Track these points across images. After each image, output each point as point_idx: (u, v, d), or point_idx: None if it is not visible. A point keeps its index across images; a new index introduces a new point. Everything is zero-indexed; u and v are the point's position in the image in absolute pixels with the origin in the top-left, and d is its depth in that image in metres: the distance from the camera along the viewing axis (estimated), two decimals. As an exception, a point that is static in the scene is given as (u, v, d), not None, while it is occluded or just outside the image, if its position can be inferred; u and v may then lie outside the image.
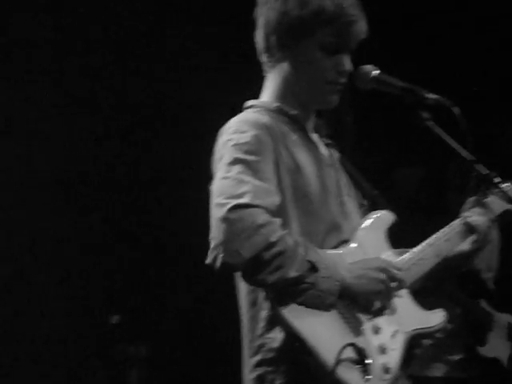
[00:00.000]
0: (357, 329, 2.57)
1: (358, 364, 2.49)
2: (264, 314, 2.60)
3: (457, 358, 4.47)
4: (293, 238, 2.53)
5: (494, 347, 4.49)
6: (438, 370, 4.49)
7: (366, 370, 2.49)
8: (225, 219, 2.47)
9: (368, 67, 2.80)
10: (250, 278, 2.54)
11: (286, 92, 2.80)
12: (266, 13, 2.78)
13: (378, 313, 2.64)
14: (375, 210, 2.86)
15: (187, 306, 5.57)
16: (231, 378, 2.88)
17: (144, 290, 5.47)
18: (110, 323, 5.34)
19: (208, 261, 2.55)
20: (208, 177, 2.66)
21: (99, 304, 5.33)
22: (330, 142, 2.93)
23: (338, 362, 2.44)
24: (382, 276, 2.62)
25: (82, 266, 5.27)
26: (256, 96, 2.87)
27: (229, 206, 2.48)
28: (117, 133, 5.53)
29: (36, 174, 5.28)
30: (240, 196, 2.50)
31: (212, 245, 2.52)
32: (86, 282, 5.29)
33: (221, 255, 2.50)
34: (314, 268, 2.50)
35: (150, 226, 5.51)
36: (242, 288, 2.68)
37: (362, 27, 2.76)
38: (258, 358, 2.62)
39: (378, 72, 2.79)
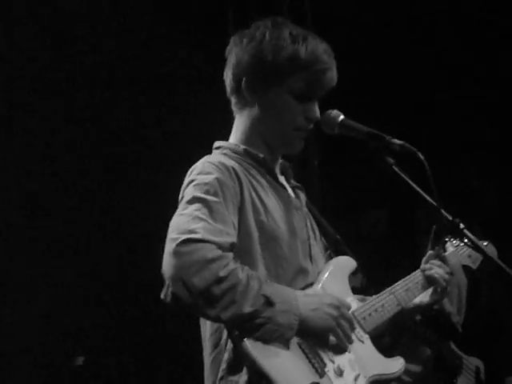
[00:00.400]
0: (321, 369, 2.55)
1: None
2: (226, 356, 2.58)
3: (426, 402, 4.47)
4: (246, 271, 2.49)
5: (463, 391, 4.50)
6: (407, 415, 4.47)
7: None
8: (175, 253, 2.44)
9: (334, 112, 2.82)
10: (201, 313, 2.51)
11: (253, 135, 2.80)
12: (239, 54, 2.77)
13: (338, 350, 2.62)
14: (338, 254, 2.87)
15: (151, 347, 5.54)
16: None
17: (108, 330, 5.43)
18: (74, 364, 5.30)
19: (161, 295, 2.51)
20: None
21: (64, 345, 5.29)
22: (297, 184, 2.94)
23: None
24: (335, 313, 2.61)
25: (47, 305, 5.22)
26: (226, 136, 2.86)
27: (179, 240, 2.45)
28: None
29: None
30: (192, 231, 2.48)
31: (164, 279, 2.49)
32: (51, 323, 5.24)
33: (170, 289, 2.46)
34: (269, 302, 2.47)
35: (114, 268, 5.49)
36: (206, 330, 2.66)
37: (333, 75, 2.78)
38: (219, 400, 2.59)
39: (343, 117, 2.81)
